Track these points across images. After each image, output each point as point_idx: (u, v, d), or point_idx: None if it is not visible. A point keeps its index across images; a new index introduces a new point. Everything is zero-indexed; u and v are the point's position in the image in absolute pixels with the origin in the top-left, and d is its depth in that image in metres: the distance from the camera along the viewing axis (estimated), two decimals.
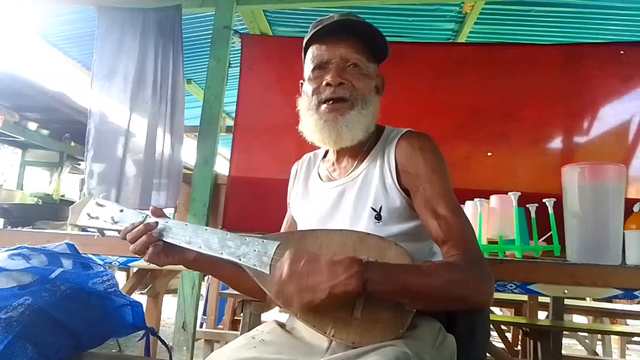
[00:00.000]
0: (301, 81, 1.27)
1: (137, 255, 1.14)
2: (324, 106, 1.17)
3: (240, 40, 2.87)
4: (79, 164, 6.40)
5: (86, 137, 2.18)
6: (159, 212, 1.17)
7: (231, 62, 2.78)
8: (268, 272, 1.04)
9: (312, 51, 1.21)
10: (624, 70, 2.59)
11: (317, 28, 1.18)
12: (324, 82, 1.16)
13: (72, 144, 5.84)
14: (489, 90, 2.71)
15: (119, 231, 1.17)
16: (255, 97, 2.83)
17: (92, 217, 1.20)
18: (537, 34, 3.57)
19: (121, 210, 1.19)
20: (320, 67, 1.19)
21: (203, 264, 1.21)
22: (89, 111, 2.20)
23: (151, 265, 1.17)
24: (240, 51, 2.88)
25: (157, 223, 1.14)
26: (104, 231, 1.23)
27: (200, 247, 1.11)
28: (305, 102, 1.22)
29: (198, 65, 4.30)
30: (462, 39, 3.59)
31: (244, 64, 2.87)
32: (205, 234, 1.12)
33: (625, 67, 2.59)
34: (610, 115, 2.62)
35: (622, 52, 2.60)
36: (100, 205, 1.22)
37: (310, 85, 1.20)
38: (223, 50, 2.67)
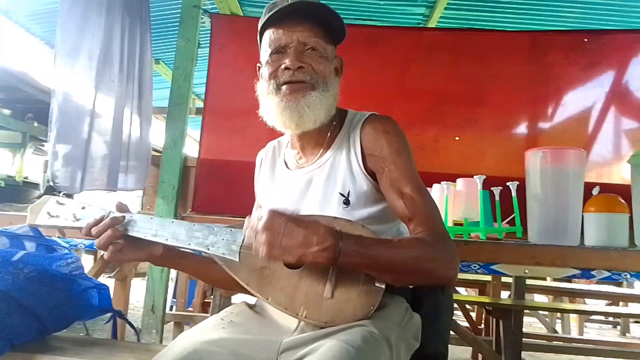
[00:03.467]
0: (258, 65, 1.26)
1: (101, 250, 1.12)
2: (284, 87, 1.16)
3: (209, 19, 2.82)
4: (43, 145, 6.21)
5: (49, 116, 2.11)
6: (123, 207, 1.15)
7: (201, 42, 2.74)
8: (237, 260, 1.04)
9: (268, 35, 1.19)
10: (587, 57, 2.66)
11: (273, 11, 1.16)
12: (282, 66, 1.15)
13: (36, 124, 5.64)
14: (458, 75, 2.74)
15: (81, 229, 1.13)
16: (225, 78, 2.79)
17: (53, 216, 1.17)
18: (505, 21, 3.63)
19: (83, 208, 1.16)
20: (278, 51, 1.17)
21: (171, 258, 1.20)
22: (52, 90, 2.12)
23: None
24: (209, 31, 2.83)
25: (124, 217, 1.12)
26: (65, 230, 1.19)
27: (167, 239, 1.09)
28: (264, 86, 1.20)
29: (166, 45, 4.21)
30: (432, 24, 3.62)
31: (213, 44, 2.82)
32: (172, 226, 1.10)
33: (589, 54, 2.66)
34: (573, 101, 2.69)
35: (585, 39, 2.67)
36: (61, 204, 1.18)
37: (268, 69, 1.18)
38: (192, 30, 2.62)
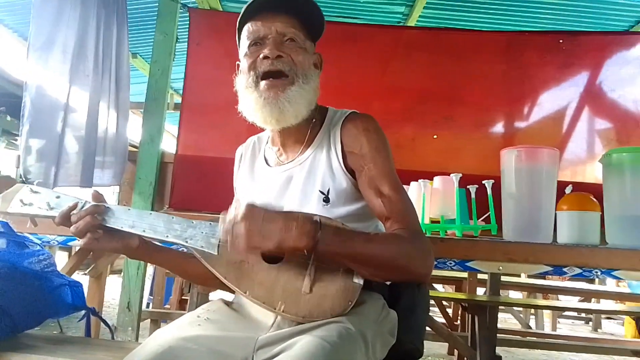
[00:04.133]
0: (237, 62, 1.24)
1: (77, 237, 1.09)
2: (263, 83, 1.14)
3: (188, 14, 2.79)
4: (16, 140, 6.07)
5: (21, 110, 2.06)
6: (99, 197, 1.13)
7: (179, 37, 2.70)
8: (216, 253, 1.03)
9: (247, 28, 1.18)
10: (562, 58, 2.72)
11: (251, 4, 1.15)
12: (260, 56, 1.14)
13: (8, 118, 5.53)
14: (436, 74, 2.77)
15: (54, 218, 1.11)
16: (203, 73, 2.76)
17: (25, 204, 1.14)
18: (483, 21, 3.67)
19: (57, 197, 1.13)
20: (257, 42, 1.16)
21: (147, 251, 1.18)
22: (25, 84, 2.07)
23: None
24: (188, 26, 2.80)
25: (104, 206, 1.10)
26: (37, 219, 1.17)
27: (144, 231, 1.08)
28: (243, 80, 1.18)
29: (144, 39, 4.15)
30: (411, 22, 3.63)
31: (191, 39, 2.79)
32: (150, 218, 1.09)
33: (564, 55, 2.71)
34: (549, 101, 2.75)
35: (561, 40, 2.72)
36: (35, 192, 1.15)
37: (247, 61, 1.17)
38: (170, 24, 2.59)
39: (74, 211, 1.09)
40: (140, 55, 4.56)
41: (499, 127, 2.81)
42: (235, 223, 0.93)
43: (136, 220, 1.09)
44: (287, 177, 1.22)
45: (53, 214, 1.11)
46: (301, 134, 1.22)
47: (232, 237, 0.93)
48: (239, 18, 1.20)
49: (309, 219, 0.95)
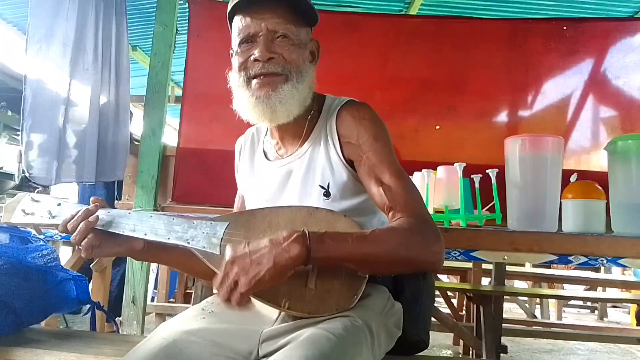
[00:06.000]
0: (230, 51, 1.21)
1: (79, 246, 1.07)
2: (254, 81, 1.11)
3: (187, 5, 2.76)
4: (18, 135, 6.07)
5: (22, 105, 2.05)
6: (100, 203, 1.12)
7: (179, 28, 2.68)
8: (218, 253, 1.02)
9: (236, 22, 1.14)
10: (566, 45, 2.68)
11: None
12: (251, 57, 1.11)
13: (9, 113, 5.51)
14: (439, 63, 2.74)
15: (57, 226, 1.10)
16: (204, 65, 2.74)
17: (28, 214, 1.14)
18: (485, 8, 3.64)
19: (59, 204, 1.13)
20: (247, 40, 1.12)
21: (152, 252, 1.16)
22: (25, 77, 2.07)
23: None
24: (187, 17, 2.78)
25: (96, 207, 1.09)
26: (41, 227, 1.17)
27: (145, 234, 1.06)
28: (235, 78, 1.15)
29: (143, 32, 4.13)
30: (413, 11, 3.61)
31: (191, 30, 2.77)
32: (151, 220, 1.08)
33: (568, 42, 2.68)
34: (553, 89, 2.72)
35: (564, 27, 2.68)
36: (36, 201, 1.15)
37: (238, 60, 1.14)
38: (169, 15, 2.55)
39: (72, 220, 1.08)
40: (140, 48, 4.54)
41: (502, 116, 2.79)
42: (226, 272, 0.88)
43: (137, 223, 1.08)
44: (286, 172, 1.20)
45: (55, 222, 1.11)
46: (299, 127, 1.19)
47: (232, 284, 0.88)
48: (228, 8, 1.16)
49: (292, 230, 0.92)
